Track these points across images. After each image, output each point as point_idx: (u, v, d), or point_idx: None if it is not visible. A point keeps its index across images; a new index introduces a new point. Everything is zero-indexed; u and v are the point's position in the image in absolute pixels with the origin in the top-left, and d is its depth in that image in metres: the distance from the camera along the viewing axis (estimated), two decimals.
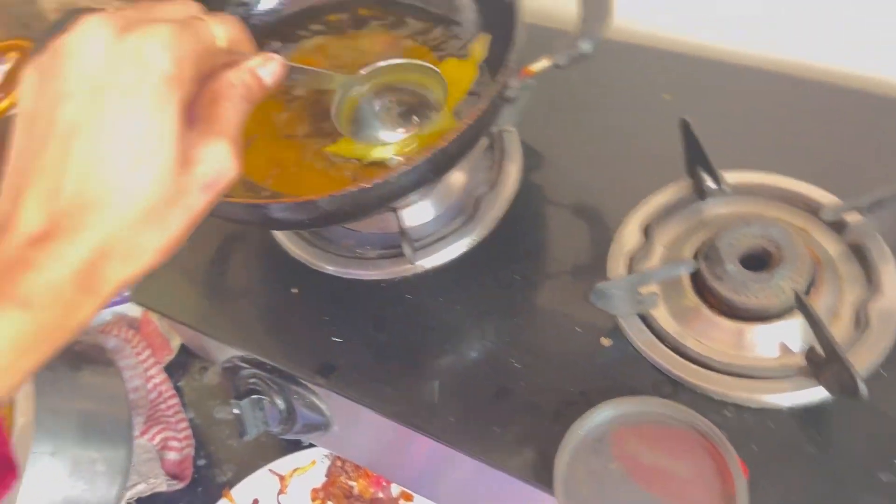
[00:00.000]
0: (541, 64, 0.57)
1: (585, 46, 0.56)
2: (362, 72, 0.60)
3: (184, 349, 0.79)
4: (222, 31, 0.36)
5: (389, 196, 0.56)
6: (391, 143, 0.61)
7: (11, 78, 0.98)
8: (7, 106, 0.95)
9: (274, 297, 0.67)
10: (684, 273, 0.57)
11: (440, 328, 0.62)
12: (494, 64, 0.63)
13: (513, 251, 0.65)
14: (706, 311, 0.57)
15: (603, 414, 0.51)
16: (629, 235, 0.63)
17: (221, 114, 0.35)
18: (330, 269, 0.67)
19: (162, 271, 0.69)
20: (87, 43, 0.32)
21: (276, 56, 0.39)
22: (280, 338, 0.65)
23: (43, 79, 0.33)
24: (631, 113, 0.72)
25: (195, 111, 0.35)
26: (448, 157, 0.55)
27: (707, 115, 0.61)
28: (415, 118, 0.62)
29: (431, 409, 0.58)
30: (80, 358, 0.66)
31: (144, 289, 0.70)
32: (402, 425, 0.58)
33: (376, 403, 0.59)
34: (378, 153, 0.62)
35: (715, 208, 0.63)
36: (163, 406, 0.74)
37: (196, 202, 0.35)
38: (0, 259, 0.31)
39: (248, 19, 0.73)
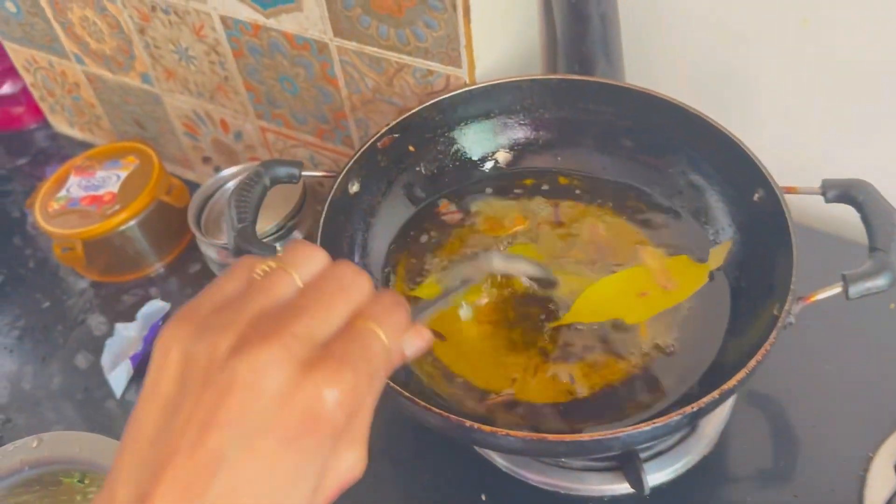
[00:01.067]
0: (830, 292, 0.51)
1: (882, 282, 0.50)
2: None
3: None
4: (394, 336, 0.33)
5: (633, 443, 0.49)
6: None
7: (129, 187, 0.91)
8: (126, 217, 0.88)
9: (462, 501, 0.59)
10: None
11: None
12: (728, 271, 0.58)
13: (744, 476, 0.58)
14: None
15: None
16: (880, 474, 0.56)
17: (360, 413, 0.31)
18: (527, 477, 0.59)
19: None
20: (263, 379, 0.28)
21: (425, 332, 0.36)
22: None
23: (189, 380, 0.29)
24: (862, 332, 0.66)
25: None
26: (723, 398, 0.49)
27: None
28: None
29: None
30: None
31: None
32: None
33: None
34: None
35: None
36: None
37: None
38: None
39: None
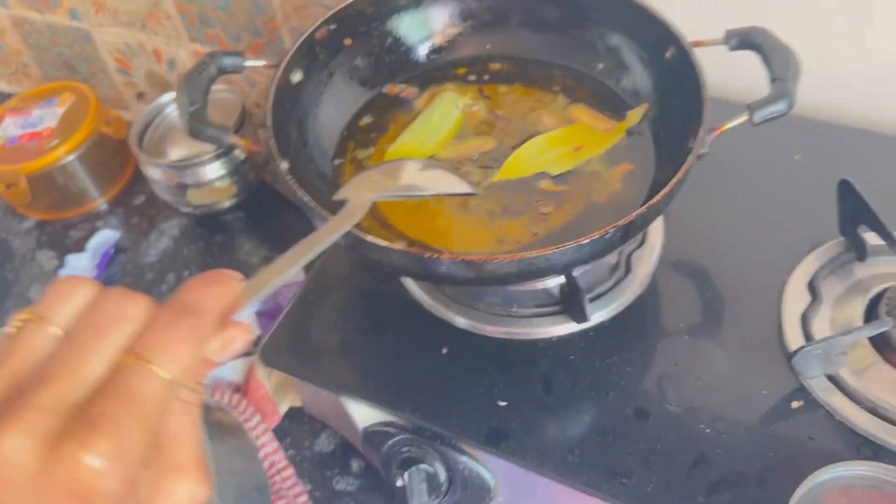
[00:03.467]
0: (737, 121, 0.56)
1: (782, 106, 0.56)
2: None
3: (288, 415, 0.74)
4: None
5: (577, 261, 0.54)
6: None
7: (67, 122, 0.91)
8: (64, 152, 0.89)
9: (423, 358, 0.64)
10: (892, 329, 0.57)
11: (615, 390, 0.59)
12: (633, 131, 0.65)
13: (675, 309, 0.64)
14: (885, 367, 0.57)
15: (815, 480, 0.50)
16: (795, 295, 0.62)
17: (178, 436, 0.28)
18: (482, 328, 0.64)
19: (293, 333, 0.66)
20: (8, 471, 0.25)
21: (242, 327, 0.31)
22: (439, 402, 0.61)
23: None
24: (768, 178, 0.72)
25: None
26: (644, 221, 0.54)
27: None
28: None
29: (626, 478, 0.55)
30: (220, 429, 0.60)
31: (275, 351, 0.65)
32: (594, 496, 0.55)
33: (561, 472, 0.56)
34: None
35: (880, 267, 0.63)
36: (277, 478, 0.69)
37: None
38: None
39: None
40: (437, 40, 0.73)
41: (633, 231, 0.54)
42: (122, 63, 0.96)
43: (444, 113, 0.70)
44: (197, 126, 0.58)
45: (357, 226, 0.50)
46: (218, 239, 0.89)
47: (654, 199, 0.52)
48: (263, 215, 0.91)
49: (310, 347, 0.66)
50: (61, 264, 0.89)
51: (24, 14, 0.96)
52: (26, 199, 0.89)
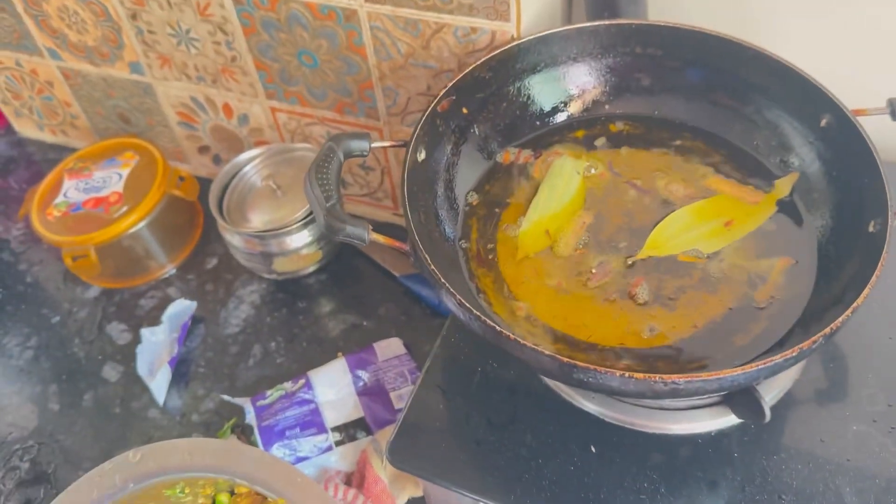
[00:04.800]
0: None
1: None
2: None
3: None
4: None
5: (774, 373, 0.50)
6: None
7: (133, 185, 0.85)
8: (135, 220, 0.83)
9: (570, 458, 0.59)
10: None
11: (789, 493, 0.55)
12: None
13: (840, 394, 0.59)
14: None
15: None
16: None
17: None
18: (633, 423, 0.59)
19: (420, 430, 0.62)
20: None
21: None
22: None
23: None
24: None
25: None
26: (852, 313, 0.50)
27: None
28: None
29: None
30: None
31: (404, 452, 0.60)
32: None
33: None
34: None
35: None
36: None
37: None
38: None
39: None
40: (569, 102, 0.68)
41: (832, 337, 0.49)
42: (185, 117, 0.90)
43: (567, 182, 0.65)
44: (336, 224, 0.53)
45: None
46: (302, 305, 0.84)
47: (858, 302, 0.48)
48: (347, 277, 0.86)
49: (441, 446, 0.61)
50: (135, 338, 0.83)
51: (76, 66, 0.90)
52: (96, 272, 0.83)
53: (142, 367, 0.80)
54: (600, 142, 0.67)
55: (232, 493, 0.58)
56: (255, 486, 0.55)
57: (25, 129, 1.07)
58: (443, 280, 0.51)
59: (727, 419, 0.58)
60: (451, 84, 0.62)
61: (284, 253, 0.80)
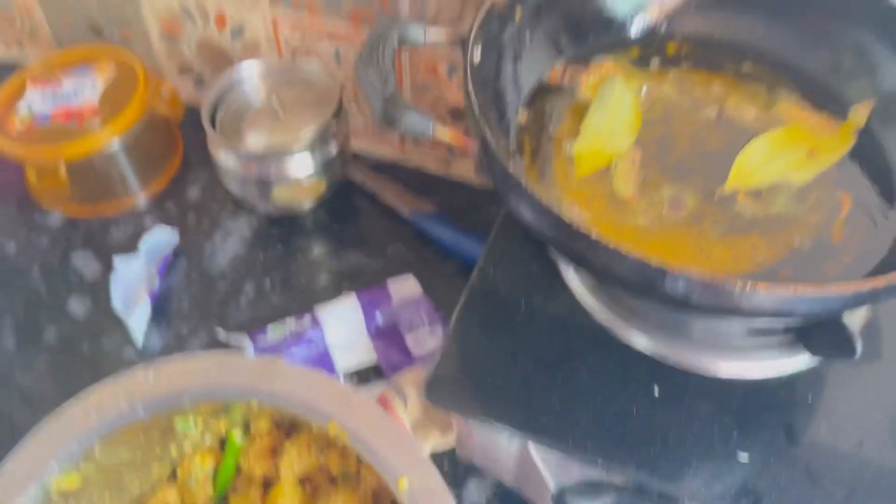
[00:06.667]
0: None
1: None
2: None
3: None
4: None
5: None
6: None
7: (111, 97, 0.75)
8: (112, 133, 0.73)
9: (631, 402, 0.53)
10: None
11: (871, 436, 0.51)
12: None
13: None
14: None
15: None
16: None
17: None
18: (696, 365, 0.54)
19: (462, 366, 0.55)
20: None
21: None
22: (667, 456, 0.51)
23: None
24: None
25: None
26: None
27: None
28: None
29: None
30: None
31: (444, 389, 0.54)
32: None
33: None
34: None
35: None
36: None
37: None
38: None
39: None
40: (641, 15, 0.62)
41: None
42: (169, 28, 0.80)
43: (618, 102, 0.60)
44: (395, 112, 0.46)
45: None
46: (300, 242, 0.76)
47: None
48: (349, 216, 0.78)
49: (485, 385, 0.54)
50: (106, 270, 0.73)
51: None
52: (65, 193, 0.73)
53: (116, 300, 0.70)
54: (655, 62, 0.62)
55: (247, 430, 0.50)
56: (297, 409, 0.47)
57: None
58: (516, 178, 0.45)
59: (799, 360, 0.54)
60: None
61: (284, 181, 0.71)
